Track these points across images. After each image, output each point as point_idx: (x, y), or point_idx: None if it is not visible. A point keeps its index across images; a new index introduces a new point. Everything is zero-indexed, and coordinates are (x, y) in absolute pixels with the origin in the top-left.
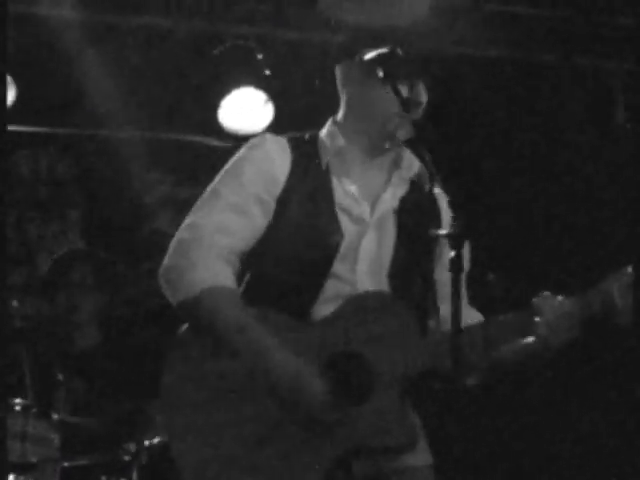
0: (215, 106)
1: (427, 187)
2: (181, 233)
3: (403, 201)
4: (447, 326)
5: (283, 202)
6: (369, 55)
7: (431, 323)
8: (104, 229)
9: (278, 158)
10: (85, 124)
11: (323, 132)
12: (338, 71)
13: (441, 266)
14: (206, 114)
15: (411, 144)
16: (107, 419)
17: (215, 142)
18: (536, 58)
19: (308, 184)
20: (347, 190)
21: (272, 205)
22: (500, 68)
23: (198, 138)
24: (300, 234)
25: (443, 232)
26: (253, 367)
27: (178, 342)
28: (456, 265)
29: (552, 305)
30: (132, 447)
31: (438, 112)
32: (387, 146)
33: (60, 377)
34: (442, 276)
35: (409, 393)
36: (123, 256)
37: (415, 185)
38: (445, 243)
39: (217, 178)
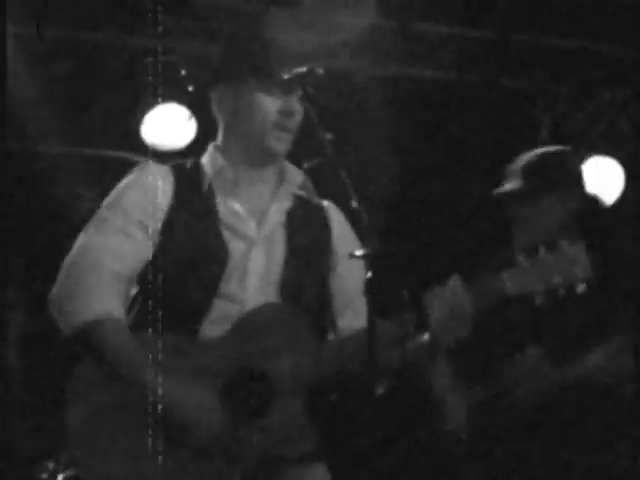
0: (138, 121)
1: (314, 200)
2: (69, 259)
3: (290, 215)
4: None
5: (167, 227)
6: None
7: (330, 335)
8: (24, 246)
9: (160, 185)
10: (10, 139)
11: (204, 157)
12: (213, 96)
13: (336, 277)
14: (129, 129)
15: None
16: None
17: (138, 158)
18: (461, 79)
19: (192, 208)
20: (231, 208)
21: (155, 231)
22: (424, 88)
23: (120, 153)
24: (186, 256)
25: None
26: (142, 399)
27: (77, 375)
28: (372, 286)
29: (442, 299)
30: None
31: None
32: (267, 161)
33: None
34: (338, 287)
35: (314, 400)
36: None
37: (301, 199)
38: (338, 254)
39: (104, 202)
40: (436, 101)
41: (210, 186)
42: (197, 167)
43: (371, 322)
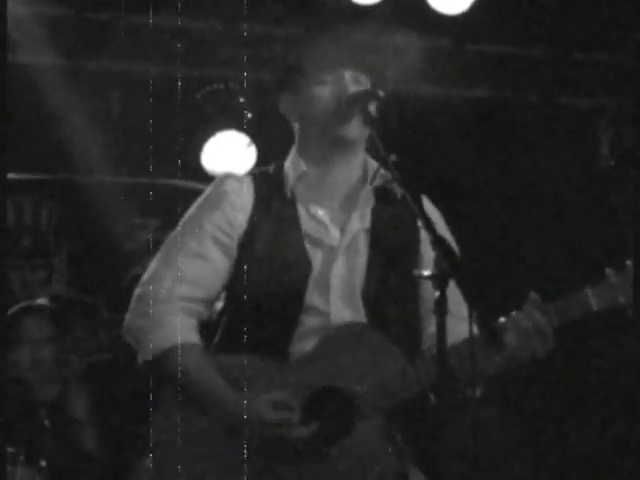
0: (198, 149)
1: (397, 193)
2: (141, 287)
3: (374, 217)
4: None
5: (248, 241)
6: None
7: (422, 345)
8: (89, 276)
9: (238, 198)
10: (68, 170)
11: (287, 161)
12: (283, 104)
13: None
14: (189, 158)
15: (371, 150)
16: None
17: (198, 186)
18: (519, 98)
19: (273, 217)
20: (314, 216)
21: (233, 247)
22: (482, 108)
23: (181, 182)
24: (268, 271)
25: (427, 273)
26: (226, 418)
27: (162, 402)
28: (441, 306)
29: (520, 320)
30: None
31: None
32: (345, 152)
33: (47, 423)
34: (427, 291)
35: (396, 421)
36: (108, 302)
37: (386, 196)
38: (428, 246)
39: (178, 226)
40: (494, 120)
41: (292, 192)
42: (280, 172)
43: (440, 348)
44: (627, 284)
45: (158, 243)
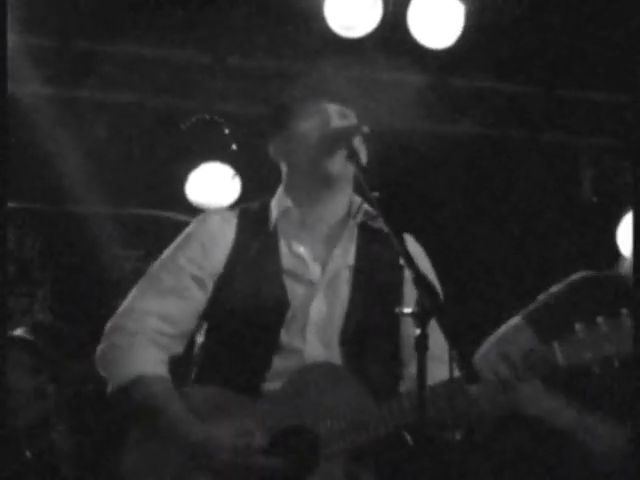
0: (182, 180)
1: (382, 229)
2: (115, 319)
3: (358, 251)
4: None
5: (227, 276)
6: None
7: (401, 385)
8: (72, 305)
9: (220, 233)
10: (52, 200)
11: (273, 199)
12: (272, 145)
13: (406, 320)
14: (173, 189)
15: (356, 187)
16: None
17: (182, 217)
18: (503, 133)
19: (254, 252)
20: (295, 252)
21: (210, 282)
22: (468, 143)
23: (165, 213)
24: (245, 307)
25: (408, 311)
26: (190, 448)
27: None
28: (421, 344)
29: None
30: None
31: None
32: (329, 188)
33: (27, 453)
34: (408, 331)
35: (365, 462)
36: (92, 332)
37: (367, 229)
38: (410, 284)
39: (159, 258)
40: (478, 156)
41: (275, 228)
42: (265, 208)
43: (421, 385)
44: (596, 341)
45: (140, 274)
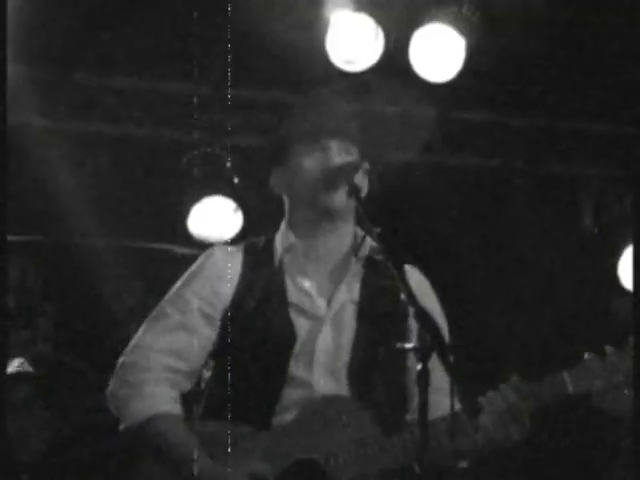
0: (185, 214)
1: (385, 262)
2: (125, 356)
3: (363, 286)
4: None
5: (234, 312)
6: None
7: (407, 417)
8: (74, 338)
9: (225, 268)
10: (55, 232)
11: (277, 234)
12: (273, 177)
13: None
14: (175, 222)
15: (359, 221)
16: None
17: (185, 250)
18: (504, 166)
19: (260, 288)
20: (301, 287)
21: (218, 318)
22: (468, 176)
23: (167, 246)
24: (252, 342)
25: (409, 346)
26: None
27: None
28: (423, 379)
29: (495, 402)
30: None
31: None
32: (332, 224)
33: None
34: (413, 362)
35: None
36: (94, 365)
37: (372, 264)
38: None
39: (167, 295)
40: (478, 188)
41: (280, 263)
42: (270, 244)
43: (422, 419)
44: (605, 370)
45: (143, 307)
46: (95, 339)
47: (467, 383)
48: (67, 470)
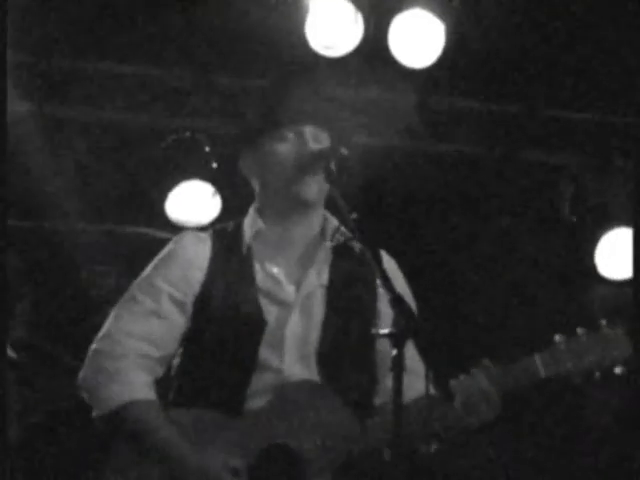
0: (162, 198)
1: (356, 250)
2: (97, 343)
3: (332, 271)
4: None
5: (204, 298)
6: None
7: (376, 400)
8: (50, 322)
9: (195, 255)
10: (32, 217)
11: (246, 219)
12: (241, 164)
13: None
14: (153, 206)
15: (334, 208)
16: None
17: (163, 234)
18: (482, 152)
19: (229, 274)
20: (269, 273)
21: (189, 304)
22: (448, 162)
23: (145, 230)
24: (222, 327)
25: (384, 332)
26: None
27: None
28: (398, 364)
29: (467, 385)
30: None
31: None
32: (303, 212)
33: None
34: (384, 347)
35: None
36: (70, 350)
37: (342, 250)
38: (385, 301)
39: (136, 281)
40: (459, 175)
41: (249, 249)
42: (238, 229)
43: (397, 405)
44: (576, 352)
45: (121, 291)
46: (72, 323)
47: (439, 367)
48: (42, 455)
